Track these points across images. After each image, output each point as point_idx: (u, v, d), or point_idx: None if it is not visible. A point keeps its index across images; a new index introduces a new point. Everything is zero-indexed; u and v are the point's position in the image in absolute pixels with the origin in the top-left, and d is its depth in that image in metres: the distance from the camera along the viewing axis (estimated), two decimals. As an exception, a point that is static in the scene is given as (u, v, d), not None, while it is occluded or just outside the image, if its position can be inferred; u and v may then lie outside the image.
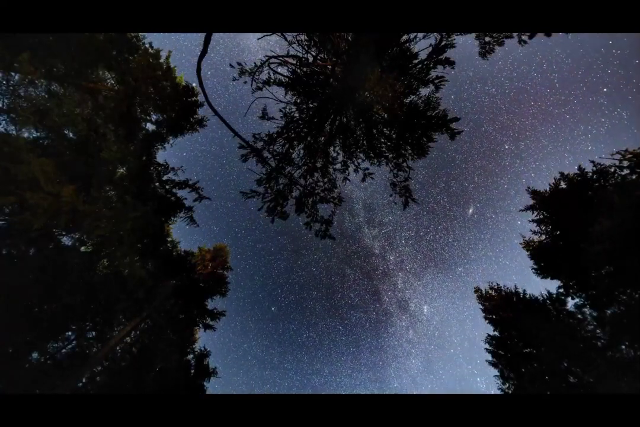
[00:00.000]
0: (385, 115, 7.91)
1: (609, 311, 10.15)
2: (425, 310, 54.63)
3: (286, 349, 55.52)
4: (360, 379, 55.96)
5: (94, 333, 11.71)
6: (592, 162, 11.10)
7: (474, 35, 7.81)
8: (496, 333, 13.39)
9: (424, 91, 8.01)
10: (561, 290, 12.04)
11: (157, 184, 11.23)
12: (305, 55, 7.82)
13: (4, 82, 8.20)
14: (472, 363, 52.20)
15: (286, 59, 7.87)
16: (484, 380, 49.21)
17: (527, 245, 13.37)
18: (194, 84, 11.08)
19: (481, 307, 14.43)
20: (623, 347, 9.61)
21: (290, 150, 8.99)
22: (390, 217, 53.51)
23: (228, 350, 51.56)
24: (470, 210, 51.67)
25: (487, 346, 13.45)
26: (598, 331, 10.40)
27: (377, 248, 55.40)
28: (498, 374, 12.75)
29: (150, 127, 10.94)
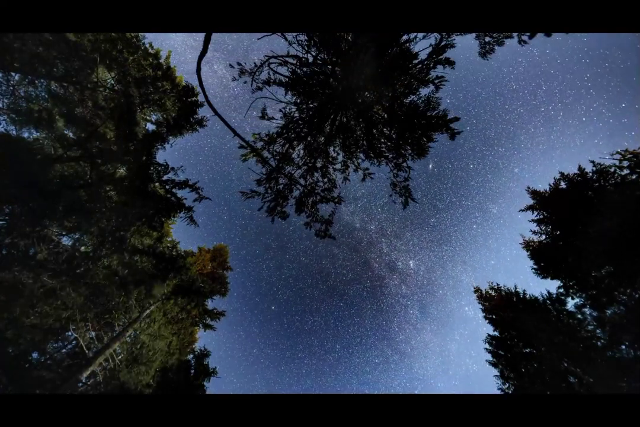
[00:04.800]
0: (385, 115, 7.90)
1: (609, 311, 10.14)
2: (411, 264, 61.06)
3: (296, 340, 57.72)
4: (369, 343, 61.09)
5: (94, 333, 11.70)
6: (592, 162, 11.10)
7: (473, 35, 7.79)
8: (496, 333, 13.39)
9: (424, 91, 8.01)
10: (561, 290, 12.04)
11: (157, 184, 11.22)
12: (305, 55, 7.80)
13: (4, 82, 8.20)
14: (458, 297, 59.33)
15: (286, 59, 7.86)
16: (471, 307, 57.77)
17: (527, 245, 13.36)
18: (194, 84, 11.07)
19: (481, 307, 14.43)
20: (623, 347, 9.60)
21: (290, 150, 8.97)
22: (363, 191, 57.94)
23: (239, 360, 52.72)
24: (431, 166, 58.67)
25: (487, 345, 13.45)
26: (598, 331, 10.39)
27: (357, 222, 59.78)
28: (498, 374, 12.74)
29: (150, 127, 10.95)
